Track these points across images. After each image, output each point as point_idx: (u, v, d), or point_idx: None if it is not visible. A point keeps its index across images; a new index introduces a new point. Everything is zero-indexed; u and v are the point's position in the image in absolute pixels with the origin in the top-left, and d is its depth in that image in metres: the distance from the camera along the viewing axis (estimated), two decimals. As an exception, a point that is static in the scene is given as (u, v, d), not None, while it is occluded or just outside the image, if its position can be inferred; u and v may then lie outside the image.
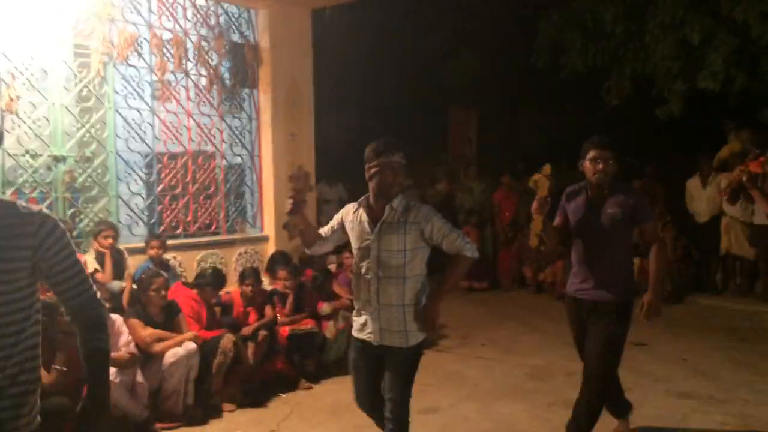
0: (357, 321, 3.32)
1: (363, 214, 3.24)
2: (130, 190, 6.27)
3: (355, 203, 3.33)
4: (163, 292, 4.86)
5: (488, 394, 5.26)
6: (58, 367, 4.12)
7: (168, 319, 4.90)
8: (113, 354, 4.62)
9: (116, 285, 5.37)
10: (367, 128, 12.98)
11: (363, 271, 3.20)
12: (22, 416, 1.95)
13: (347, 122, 12.30)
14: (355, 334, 3.34)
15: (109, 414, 2.02)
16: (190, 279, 5.87)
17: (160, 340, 4.74)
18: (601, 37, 9.60)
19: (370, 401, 3.38)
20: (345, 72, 11.49)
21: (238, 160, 7.25)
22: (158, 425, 4.58)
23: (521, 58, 10.93)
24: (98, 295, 2.17)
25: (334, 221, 3.37)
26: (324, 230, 3.42)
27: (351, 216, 3.29)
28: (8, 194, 5.31)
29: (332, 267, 7.00)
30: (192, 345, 4.77)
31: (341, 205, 10.76)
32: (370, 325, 3.21)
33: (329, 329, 5.90)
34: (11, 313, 1.92)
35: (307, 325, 5.72)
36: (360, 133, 13.20)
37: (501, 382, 5.57)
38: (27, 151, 5.43)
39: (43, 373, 4.08)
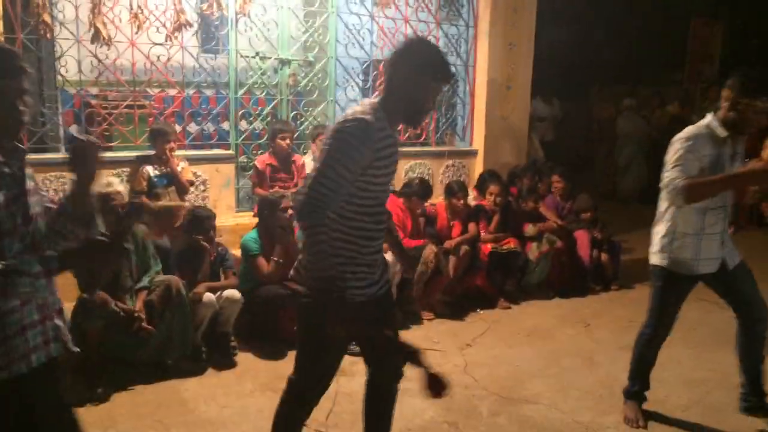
0: (691, 252, 3.21)
1: (725, 145, 3.09)
2: (346, 96, 6.40)
3: (693, 133, 3.10)
4: None
5: (706, 341, 4.75)
6: (276, 258, 4.42)
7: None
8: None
9: (330, 187, 5.59)
10: (591, 42, 12.04)
11: (720, 204, 3.17)
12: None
13: (569, 34, 11.46)
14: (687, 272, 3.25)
15: None
16: (398, 187, 5.94)
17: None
18: None
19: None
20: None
21: (452, 69, 7.05)
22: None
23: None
24: None
25: (685, 159, 3.05)
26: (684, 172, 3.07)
27: (708, 150, 3.07)
28: (240, 94, 5.68)
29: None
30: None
31: (555, 124, 10.24)
32: (717, 253, 3.24)
33: (532, 251, 5.69)
34: None
35: (510, 244, 5.55)
36: (583, 47, 12.31)
37: (722, 329, 4.95)
38: (257, 53, 5.72)
39: (263, 262, 4.44)
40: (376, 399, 2.70)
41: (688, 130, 3.12)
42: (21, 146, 1.94)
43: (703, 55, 11.58)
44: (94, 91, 5.65)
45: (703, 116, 9.92)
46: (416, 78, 2.24)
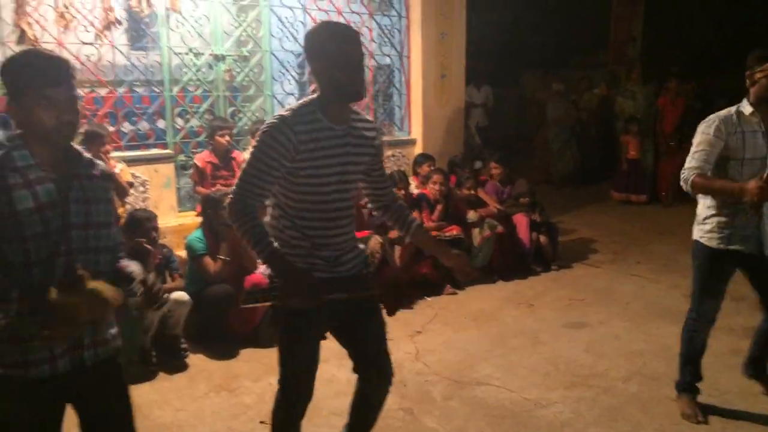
0: (722, 230, 3.16)
1: (754, 124, 3.08)
2: (284, 90, 6.38)
3: (719, 115, 3.10)
4: None
5: (641, 314, 5.01)
6: (222, 257, 4.40)
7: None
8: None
9: (271, 182, 5.56)
10: (520, 28, 12.31)
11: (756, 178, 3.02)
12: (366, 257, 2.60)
13: (499, 21, 11.70)
14: (722, 246, 3.18)
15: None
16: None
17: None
18: None
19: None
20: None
21: (387, 60, 7.12)
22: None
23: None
24: None
25: (708, 145, 3.05)
26: (703, 161, 3.07)
27: (732, 128, 3.07)
28: (175, 91, 5.57)
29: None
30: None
31: (486, 111, 10.45)
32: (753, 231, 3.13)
33: (475, 237, 5.83)
34: (355, 197, 2.51)
35: (453, 231, 5.67)
36: (512, 34, 12.58)
37: (655, 302, 5.28)
38: (190, 50, 5.63)
39: (209, 262, 4.41)
40: (364, 408, 2.68)
41: (717, 113, 3.13)
42: (76, 152, 1.96)
43: (625, 37, 12.01)
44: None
45: (627, 97, 10.18)
46: (327, 55, 2.26)
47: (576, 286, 5.71)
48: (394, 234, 5.33)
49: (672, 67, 8.92)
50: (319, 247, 2.36)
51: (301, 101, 2.37)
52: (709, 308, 3.35)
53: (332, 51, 2.24)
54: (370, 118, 2.58)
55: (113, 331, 2.08)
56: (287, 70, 6.37)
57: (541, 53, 12.25)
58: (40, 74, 1.81)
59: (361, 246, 2.59)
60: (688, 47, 11.08)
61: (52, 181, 1.86)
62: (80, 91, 5.44)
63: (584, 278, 5.93)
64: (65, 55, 4.87)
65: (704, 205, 3.26)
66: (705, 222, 3.24)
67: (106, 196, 2.02)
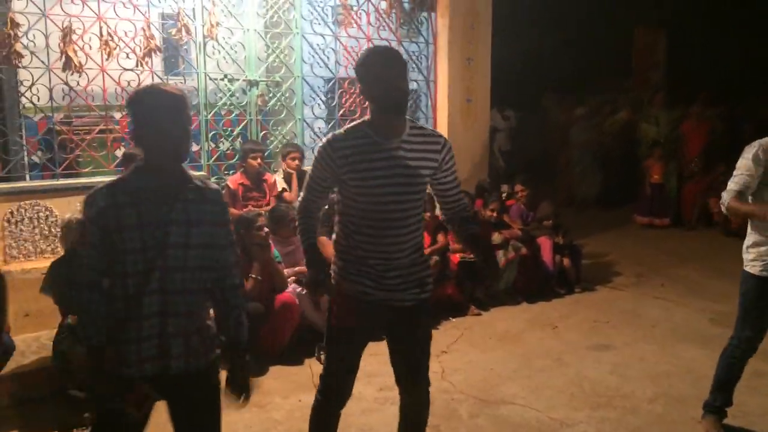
0: (763, 257, 3.24)
1: None
2: (313, 114, 6.55)
3: (762, 141, 3.17)
4: None
5: (667, 336, 5.04)
6: (254, 276, 4.53)
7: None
8: (297, 269, 4.99)
9: (301, 204, 5.71)
10: (542, 52, 12.41)
11: None
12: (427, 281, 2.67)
13: (522, 46, 11.81)
14: (764, 273, 3.25)
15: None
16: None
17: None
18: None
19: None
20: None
21: (414, 85, 7.26)
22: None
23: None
24: None
25: (746, 169, 3.16)
26: (742, 184, 3.17)
27: None
28: (209, 115, 5.77)
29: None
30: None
31: (511, 134, 10.47)
32: None
33: (499, 258, 5.90)
34: (417, 208, 2.58)
35: (478, 252, 5.74)
36: (535, 58, 12.67)
37: (681, 325, 5.30)
38: (225, 76, 5.82)
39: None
40: (403, 425, 2.88)
41: (761, 139, 3.20)
42: (186, 177, 2.19)
43: (648, 63, 12.07)
44: (57, 117, 5.65)
45: (650, 123, 10.18)
46: (365, 76, 2.50)
47: (600, 308, 5.75)
48: (420, 255, 5.43)
49: (699, 94, 8.95)
50: (367, 254, 2.53)
51: (358, 120, 2.62)
52: (751, 336, 3.37)
53: (368, 72, 2.48)
54: (438, 131, 2.75)
55: (210, 342, 2.26)
56: (317, 95, 6.55)
57: (561, 77, 12.33)
58: (157, 108, 2.06)
59: (425, 269, 2.67)
60: (711, 72, 11.11)
61: (157, 201, 2.08)
62: (118, 115, 5.66)
63: (608, 301, 5.97)
64: (107, 81, 5.12)
65: (748, 232, 3.34)
66: (748, 251, 3.33)
67: (214, 219, 2.21)
